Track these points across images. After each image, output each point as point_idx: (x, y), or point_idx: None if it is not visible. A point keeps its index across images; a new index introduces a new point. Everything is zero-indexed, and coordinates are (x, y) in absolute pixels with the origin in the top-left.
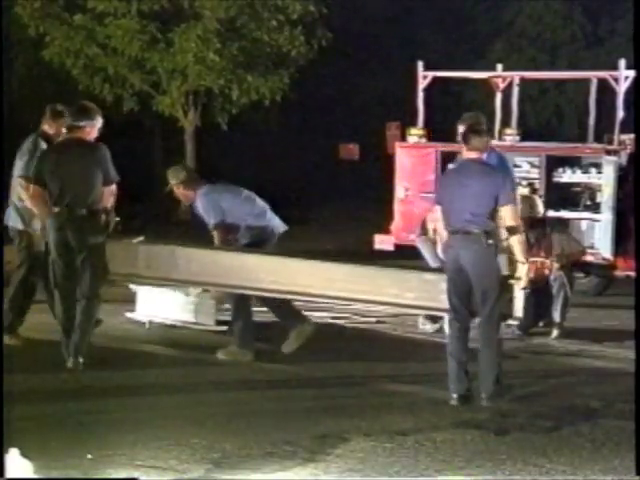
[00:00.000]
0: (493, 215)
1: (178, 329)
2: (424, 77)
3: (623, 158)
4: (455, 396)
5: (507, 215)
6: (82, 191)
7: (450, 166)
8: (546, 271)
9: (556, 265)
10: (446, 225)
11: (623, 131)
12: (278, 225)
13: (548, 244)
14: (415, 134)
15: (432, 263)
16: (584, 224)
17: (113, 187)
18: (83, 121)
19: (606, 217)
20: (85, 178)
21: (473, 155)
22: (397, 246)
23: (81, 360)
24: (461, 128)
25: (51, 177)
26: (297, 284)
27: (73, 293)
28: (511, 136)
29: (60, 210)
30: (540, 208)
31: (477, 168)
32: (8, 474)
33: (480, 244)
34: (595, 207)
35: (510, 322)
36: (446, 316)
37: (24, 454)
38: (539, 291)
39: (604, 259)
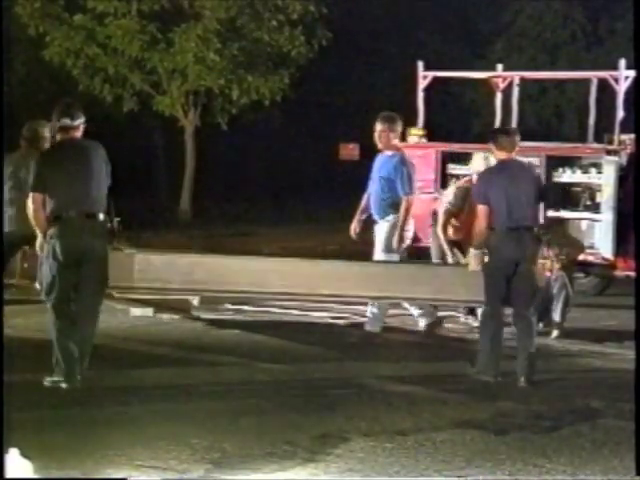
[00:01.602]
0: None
1: (178, 329)
2: (424, 77)
3: (623, 158)
4: (494, 380)
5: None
6: (95, 194)
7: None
8: (547, 272)
9: (557, 265)
10: (500, 223)
11: (623, 131)
12: None
13: (547, 245)
14: (415, 134)
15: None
16: (584, 224)
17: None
18: (78, 119)
19: (606, 217)
20: (98, 179)
21: (504, 155)
22: None
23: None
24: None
25: (58, 181)
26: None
27: (70, 306)
28: None
29: (74, 216)
30: None
31: (519, 167)
32: (8, 474)
33: (535, 239)
34: (595, 207)
35: None
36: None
37: (24, 454)
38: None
39: (604, 259)
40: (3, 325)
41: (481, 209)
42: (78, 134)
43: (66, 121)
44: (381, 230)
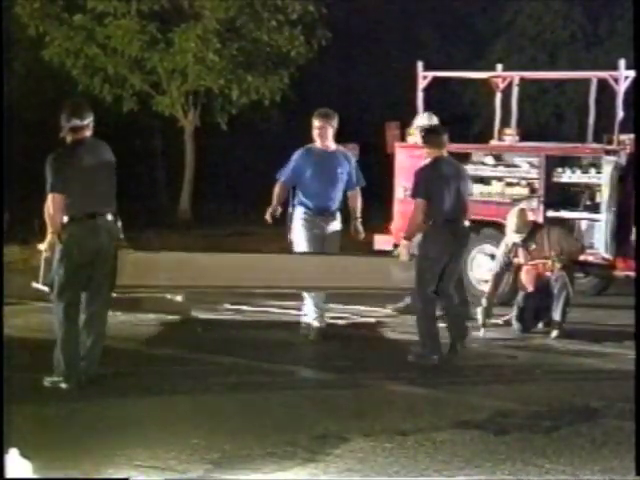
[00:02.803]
0: None
1: (177, 329)
2: (424, 77)
3: (623, 158)
4: (439, 360)
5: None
6: (109, 194)
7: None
8: (547, 273)
9: (558, 265)
10: (439, 216)
11: (623, 131)
12: None
13: (548, 245)
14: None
15: None
16: (584, 224)
17: None
18: (87, 119)
19: (606, 217)
20: (110, 179)
21: (437, 153)
22: (396, 246)
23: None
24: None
25: (74, 182)
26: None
27: (79, 308)
28: (510, 136)
29: (90, 216)
30: (530, 217)
31: (453, 164)
32: (8, 474)
33: (467, 231)
34: (595, 207)
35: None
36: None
37: (24, 454)
38: (539, 291)
39: (604, 259)
40: (3, 325)
41: (421, 203)
42: (88, 133)
43: (76, 122)
44: (336, 226)
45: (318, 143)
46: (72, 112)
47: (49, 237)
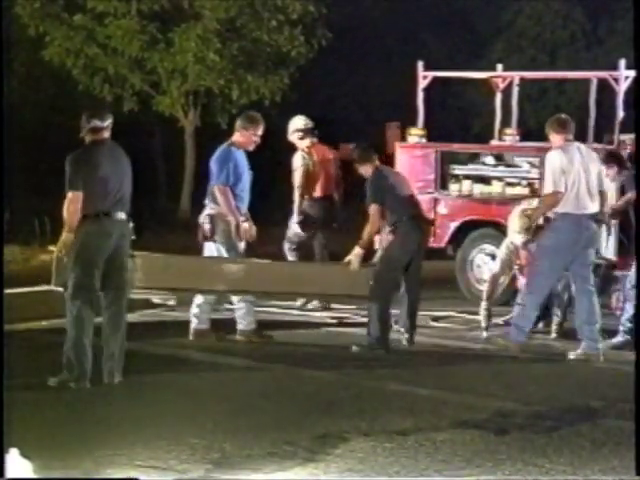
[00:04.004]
0: None
1: (177, 329)
2: (424, 77)
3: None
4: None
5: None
6: (125, 194)
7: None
8: None
9: None
10: (400, 217)
11: (623, 131)
12: None
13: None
14: (415, 134)
15: None
16: None
17: None
18: (107, 120)
19: (606, 217)
20: (129, 180)
21: (373, 165)
22: None
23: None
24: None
25: (93, 181)
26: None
27: (93, 307)
28: (511, 136)
29: (108, 215)
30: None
31: (390, 170)
32: (8, 474)
33: (429, 228)
34: None
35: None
36: None
37: (24, 454)
38: None
39: (604, 259)
40: (3, 325)
41: (376, 209)
42: (107, 135)
43: (96, 122)
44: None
45: (248, 147)
46: (93, 113)
47: (64, 236)
